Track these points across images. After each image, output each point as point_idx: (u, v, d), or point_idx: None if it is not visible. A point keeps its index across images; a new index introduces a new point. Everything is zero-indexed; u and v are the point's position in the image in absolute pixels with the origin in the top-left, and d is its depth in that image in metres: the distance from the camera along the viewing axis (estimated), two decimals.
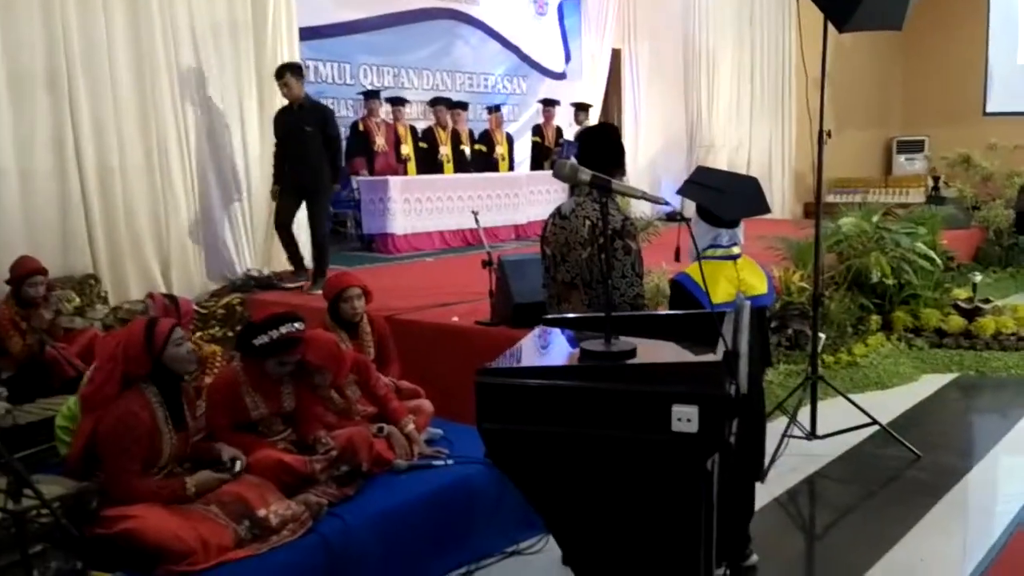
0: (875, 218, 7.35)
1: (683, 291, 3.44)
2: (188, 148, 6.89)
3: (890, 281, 6.99)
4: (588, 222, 3.33)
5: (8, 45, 5.81)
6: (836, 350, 6.40)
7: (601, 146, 3.46)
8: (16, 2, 5.83)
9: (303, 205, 6.80)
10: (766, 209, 3.79)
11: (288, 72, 6.66)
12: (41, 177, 6.03)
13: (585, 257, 3.33)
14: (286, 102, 6.81)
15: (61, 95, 6.07)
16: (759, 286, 3.55)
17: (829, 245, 7.09)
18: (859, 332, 6.81)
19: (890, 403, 5.64)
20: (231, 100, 7.19)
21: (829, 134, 4.74)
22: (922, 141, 15.18)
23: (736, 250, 3.56)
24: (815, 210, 4.95)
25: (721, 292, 3.40)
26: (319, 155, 6.70)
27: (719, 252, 3.55)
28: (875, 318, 7.00)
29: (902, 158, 15.39)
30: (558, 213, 3.47)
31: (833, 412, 5.06)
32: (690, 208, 3.77)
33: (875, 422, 4.85)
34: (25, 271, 4.98)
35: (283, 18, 7.54)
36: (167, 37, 6.68)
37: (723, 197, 3.53)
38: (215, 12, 7.05)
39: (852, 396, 5.20)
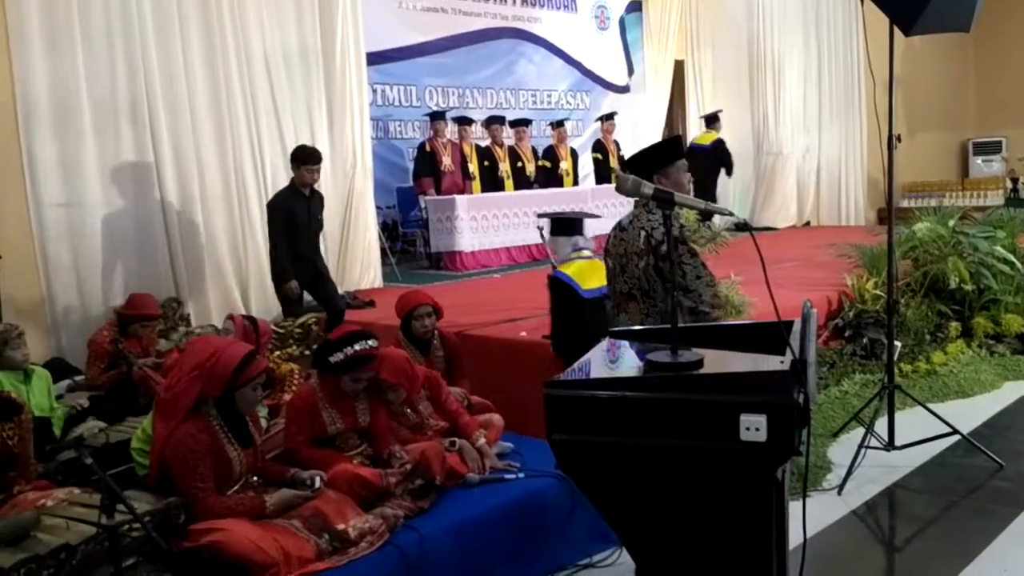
0: (951, 222, 7.16)
1: (562, 283, 4.55)
2: (263, 173, 7.12)
3: (969, 287, 6.80)
4: (643, 232, 3.39)
5: (91, 77, 6.10)
6: (914, 358, 6.26)
7: (640, 156, 3.57)
8: (96, 35, 6.12)
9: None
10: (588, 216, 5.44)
11: (320, 159, 6.29)
12: (126, 205, 6.31)
13: (642, 267, 3.38)
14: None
15: (142, 125, 6.35)
16: (602, 281, 4.32)
17: (904, 251, 6.94)
18: (938, 340, 6.64)
19: (971, 412, 5.49)
20: (302, 124, 7.42)
21: (899, 139, 4.65)
22: (999, 142, 14.70)
23: (587, 253, 4.70)
24: (887, 215, 4.86)
25: (595, 282, 4.45)
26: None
27: (584, 254, 4.67)
28: (954, 325, 6.81)
29: (979, 160, 14.92)
30: (619, 226, 3.58)
31: (912, 422, 4.94)
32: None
33: (955, 431, 4.72)
34: (144, 314, 5.18)
35: (351, 44, 7.75)
36: (241, 65, 6.94)
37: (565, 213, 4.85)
38: (286, 39, 7.29)
39: (932, 405, 5.07)
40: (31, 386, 4.19)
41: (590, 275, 4.51)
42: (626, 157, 10.77)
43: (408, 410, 4.07)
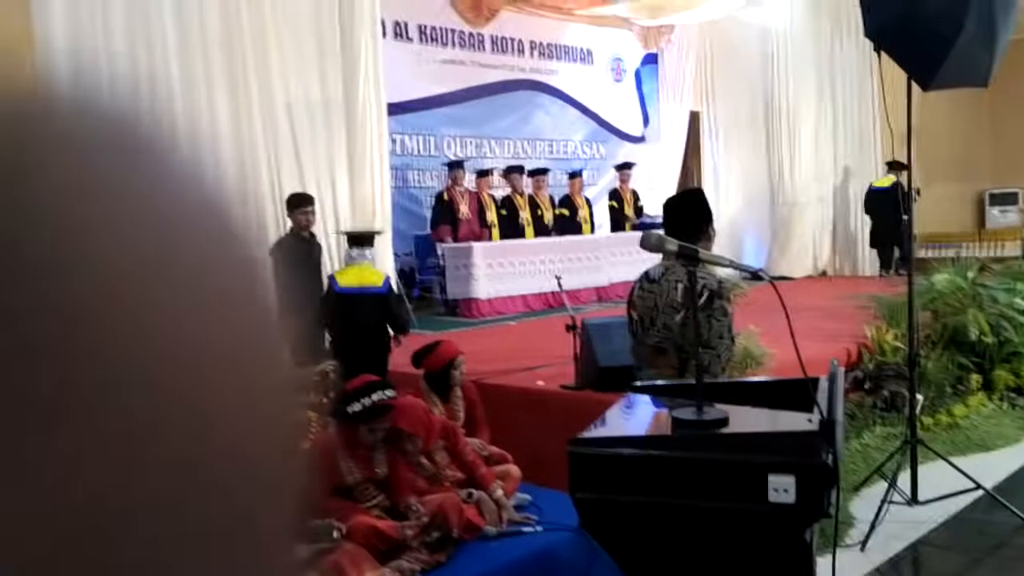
0: (971, 274, 7.14)
1: (329, 284, 5.60)
2: (284, 223, 7.16)
3: (989, 339, 6.75)
4: (681, 285, 3.33)
5: None
6: (935, 411, 6.19)
7: (683, 213, 3.55)
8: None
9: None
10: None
11: (312, 200, 6.50)
12: None
13: (678, 320, 3.34)
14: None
15: None
16: (378, 281, 5.63)
17: (923, 303, 6.89)
18: (959, 392, 6.57)
19: (994, 466, 5.41)
20: (323, 174, 7.49)
21: (919, 192, 4.66)
22: (1015, 193, 14.71)
23: (365, 262, 5.73)
24: (908, 268, 4.84)
25: (352, 280, 5.53)
26: None
27: (361, 263, 5.69)
28: (975, 377, 6.75)
29: (995, 210, 14.92)
30: (646, 277, 3.52)
31: (935, 476, 4.88)
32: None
33: (979, 486, 4.65)
34: None
35: (372, 95, 7.85)
36: (264, 115, 7.05)
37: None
38: (309, 90, 7.41)
39: (954, 459, 5.00)
40: None
41: (352, 277, 5.64)
42: (644, 207, 10.85)
43: (425, 460, 4.04)
